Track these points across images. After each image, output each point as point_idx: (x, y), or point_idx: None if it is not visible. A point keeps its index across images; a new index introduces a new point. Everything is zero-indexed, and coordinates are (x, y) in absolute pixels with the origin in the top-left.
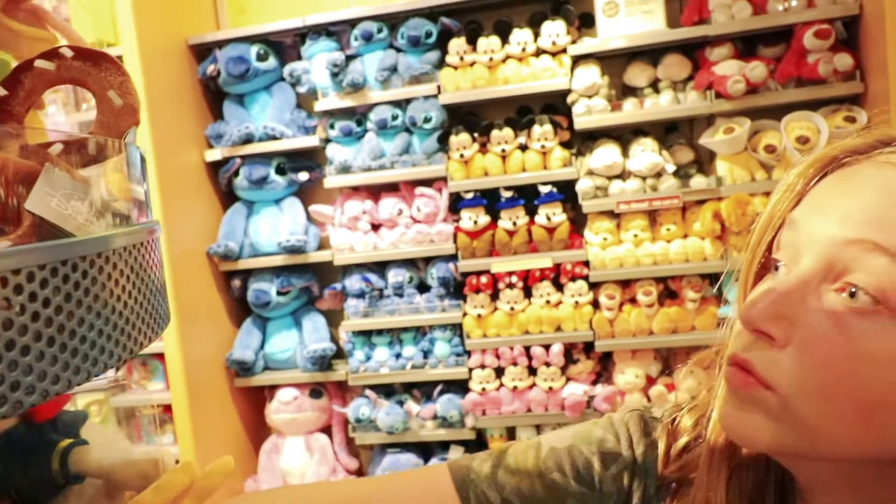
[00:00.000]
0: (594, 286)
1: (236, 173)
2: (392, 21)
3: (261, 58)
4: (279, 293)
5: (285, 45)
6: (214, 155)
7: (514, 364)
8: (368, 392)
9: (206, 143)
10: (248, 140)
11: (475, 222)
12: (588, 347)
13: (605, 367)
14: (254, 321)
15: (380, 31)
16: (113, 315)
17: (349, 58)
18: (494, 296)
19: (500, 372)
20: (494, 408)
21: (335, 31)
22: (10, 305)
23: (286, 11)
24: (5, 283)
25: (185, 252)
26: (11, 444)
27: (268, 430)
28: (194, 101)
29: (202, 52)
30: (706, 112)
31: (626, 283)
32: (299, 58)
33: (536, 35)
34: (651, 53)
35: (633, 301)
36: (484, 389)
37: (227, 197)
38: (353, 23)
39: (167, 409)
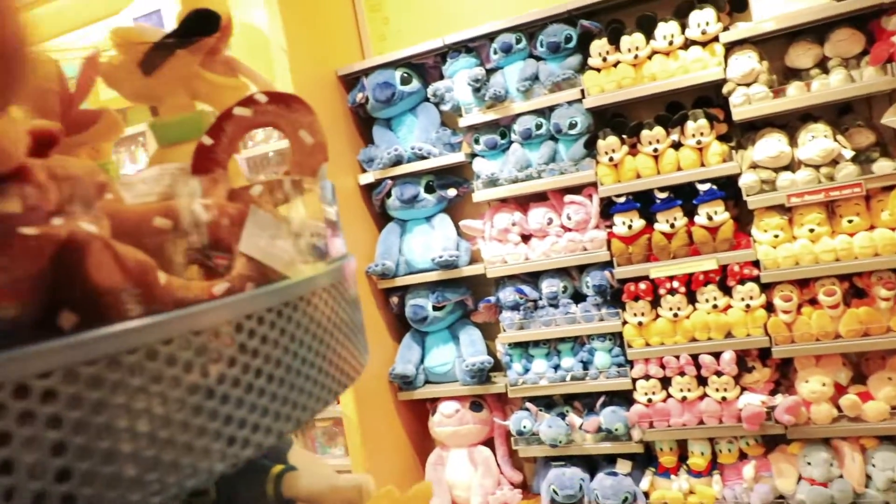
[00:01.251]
0: (766, 288)
1: (388, 194)
2: (530, 30)
3: (405, 81)
4: (435, 308)
5: (427, 66)
6: (367, 178)
7: (682, 373)
8: (529, 404)
9: (360, 167)
10: (397, 162)
11: (629, 227)
12: (764, 354)
13: (784, 374)
14: (413, 336)
15: (518, 41)
16: (329, 350)
17: (490, 71)
18: (655, 302)
19: (666, 382)
20: (662, 420)
21: (474, 46)
22: (244, 350)
23: (425, 33)
24: (240, 329)
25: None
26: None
27: (432, 443)
28: (346, 128)
29: (350, 81)
30: (887, 88)
31: (803, 283)
32: (441, 77)
33: (683, 26)
34: (815, 31)
35: (813, 302)
36: (650, 401)
37: (381, 217)
38: (491, 37)
39: (337, 422)
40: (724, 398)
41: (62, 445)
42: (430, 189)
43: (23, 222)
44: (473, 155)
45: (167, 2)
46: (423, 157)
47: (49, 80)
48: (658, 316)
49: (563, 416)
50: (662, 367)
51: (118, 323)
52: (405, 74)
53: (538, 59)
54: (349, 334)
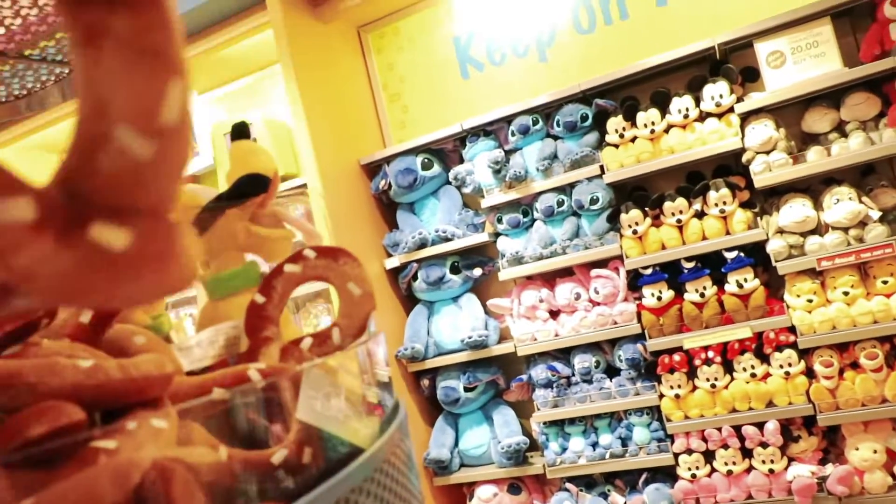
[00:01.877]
0: (804, 353)
1: (415, 277)
2: (546, 111)
3: (425, 166)
4: (466, 389)
5: (447, 151)
6: (393, 262)
7: (725, 446)
8: (569, 485)
9: (385, 251)
10: (422, 245)
11: (659, 298)
12: (808, 422)
13: (832, 442)
14: (445, 418)
15: (535, 122)
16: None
17: (508, 153)
18: (691, 373)
19: (709, 456)
20: (709, 496)
21: (492, 129)
22: None
23: (443, 120)
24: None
25: None
26: None
27: None
28: (370, 214)
29: (373, 169)
30: None
31: (843, 347)
32: (461, 160)
33: (697, 100)
34: (830, 96)
35: (854, 366)
36: (694, 476)
37: (409, 300)
38: (508, 119)
39: None
40: (771, 470)
41: None
42: (455, 270)
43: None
44: (497, 234)
45: (194, 102)
46: (447, 239)
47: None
48: (695, 387)
49: (605, 495)
50: (704, 439)
51: None
52: (426, 160)
53: (555, 138)
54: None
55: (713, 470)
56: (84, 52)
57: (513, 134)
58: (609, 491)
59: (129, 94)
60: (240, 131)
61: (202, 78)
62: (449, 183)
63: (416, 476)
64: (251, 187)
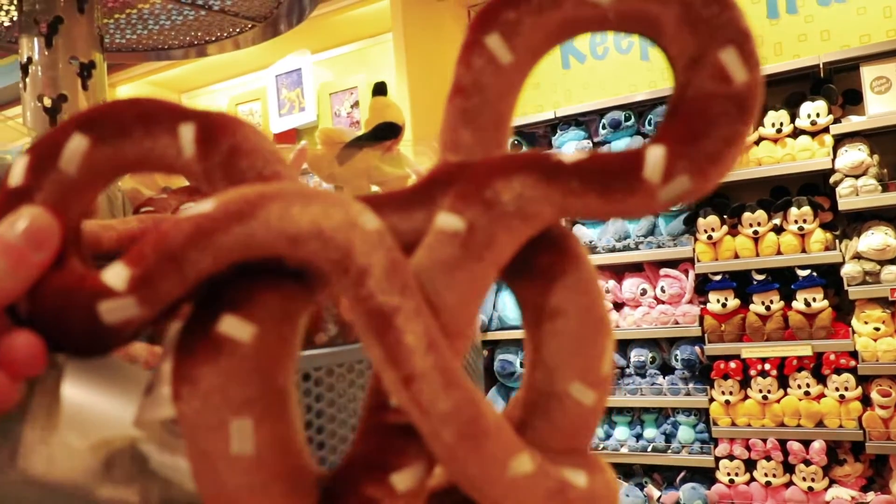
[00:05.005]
0: (863, 380)
1: None
2: (639, 109)
3: (514, 148)
4: (523, 365)
5: (537, 136)
6: None
7: (768, 458)
8: None
9: None
10: None
11: (724, 305)
12: (856, 448)
13: (878, 472)
14: (498, 389)
15: (627, 118)
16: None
17: (597, 145)
18: (744, 382)
19: (750, 465)
20: (744, 503)
21: (584, 120)
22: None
23: (538, 105)
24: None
25: None
26: None
27: None
28: None
29: None
30: None
31: None
32: (550, 146)
33: (793, 116)
34: None
35: None
36: (732, 481)
37: None
38: (601, 112)
39: None
40: (811, 488)
41: (320, 412)
42: None
43: None
44: (574, 222)
45: (307, 61)
46: None
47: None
48: (747, 396)
49: (641, 486)
50: (748, 448)
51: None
52: (516, 142)
53: (645, 136)
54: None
55: (752, 479)
56: (540, 329)
57: (604, 127)
58: (646, 483)
59: (580, 357)
60: (380, 89)
61: (314, 39)
62: None
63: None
64: (385, 132)
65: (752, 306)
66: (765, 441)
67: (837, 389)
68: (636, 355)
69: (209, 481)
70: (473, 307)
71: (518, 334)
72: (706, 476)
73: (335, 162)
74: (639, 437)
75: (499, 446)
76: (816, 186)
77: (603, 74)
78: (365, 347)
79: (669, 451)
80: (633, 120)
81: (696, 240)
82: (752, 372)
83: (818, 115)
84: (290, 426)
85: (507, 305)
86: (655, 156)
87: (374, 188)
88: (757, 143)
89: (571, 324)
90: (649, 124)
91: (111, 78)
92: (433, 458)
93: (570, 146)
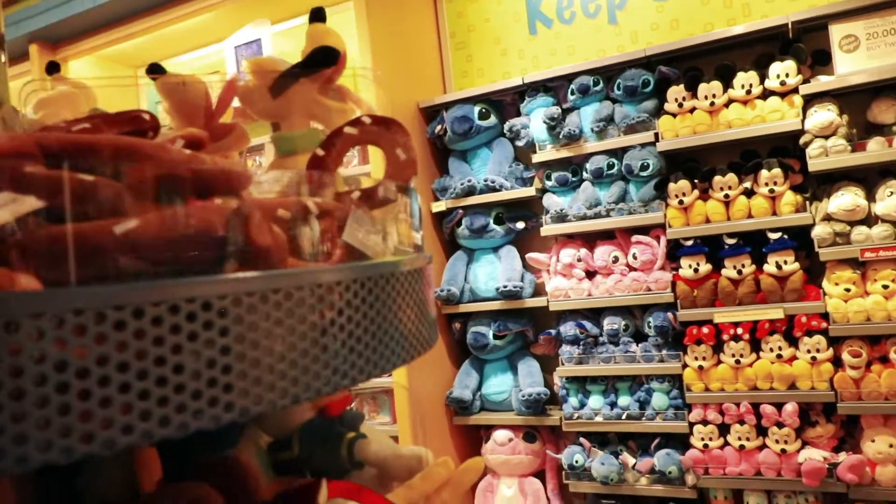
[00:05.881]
0: (835, 341)
1: (459, 223)
2: (608, 73)
3: (482, 116)
4: (496, 336)
5: (505, 103)
6: (440, 206)
7: (741, 421)
8: (582, 440)
9: (433, 195)
10: (470, 192)
11: (696, 270)
12: (828, 409)
13: (849, 432)
14: (472, 362)
15: (596, 83)
16: (400, 324)
17: (566, 111)
18: (717, 347)
19: (724, 429)
20: (718, 467)
21: (552, 86)
22: (349, 305)
23: (505, 72)
24: (347, 289)
25: None
26: (312, 431)
27: (483, 470)
28: (423, 157)
29: (430, 113)
30: None
31: (874, 340)
32: (518, 114)
33: (763, 77)
34: None
35: (883, 360)
36: (706, 446)
37: (450, 245)
38: (569, 78)
39: (394, 439)
40: (783, 450)
41: (227, 349)
42: (499, 220)
43: None
44: (544, 190)
45: (266, 32)
46: (494, 189)
47: (199, 97)
48: (720, 361)
49: (616, 454)
50: (721, 413)
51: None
52: (483, 110)
53: (614, 101)
54: (421, 315)
55: (726, 443)
56: None
57: (572, 93)
58: (621, 450)
59: None
60: (317, 14)
61: (274, 9)
62: (503, 135)
63: (431, 304)
64: (323, 58)
65: (723, 271)
66: (738, 405)
67: (809, 351)
68: (609, 323)
69: None
70: None
71: (491, 306)
72: (680, 442)
73: (268, 94)
74: (613, 405)
75: None
76: (787, 149)
77: (570, 39)
78: None
79: (644, 418)
80: (601, 85)
81: (667, 205)
82: (725, 336)
83: (787, 75)
84: None
85: (478, 277)
86: None
87: (315, 124)
88: (727, 105)
89: None
90: (618, 88)
91: (61, 52)
92: None
93: (538, 113)
